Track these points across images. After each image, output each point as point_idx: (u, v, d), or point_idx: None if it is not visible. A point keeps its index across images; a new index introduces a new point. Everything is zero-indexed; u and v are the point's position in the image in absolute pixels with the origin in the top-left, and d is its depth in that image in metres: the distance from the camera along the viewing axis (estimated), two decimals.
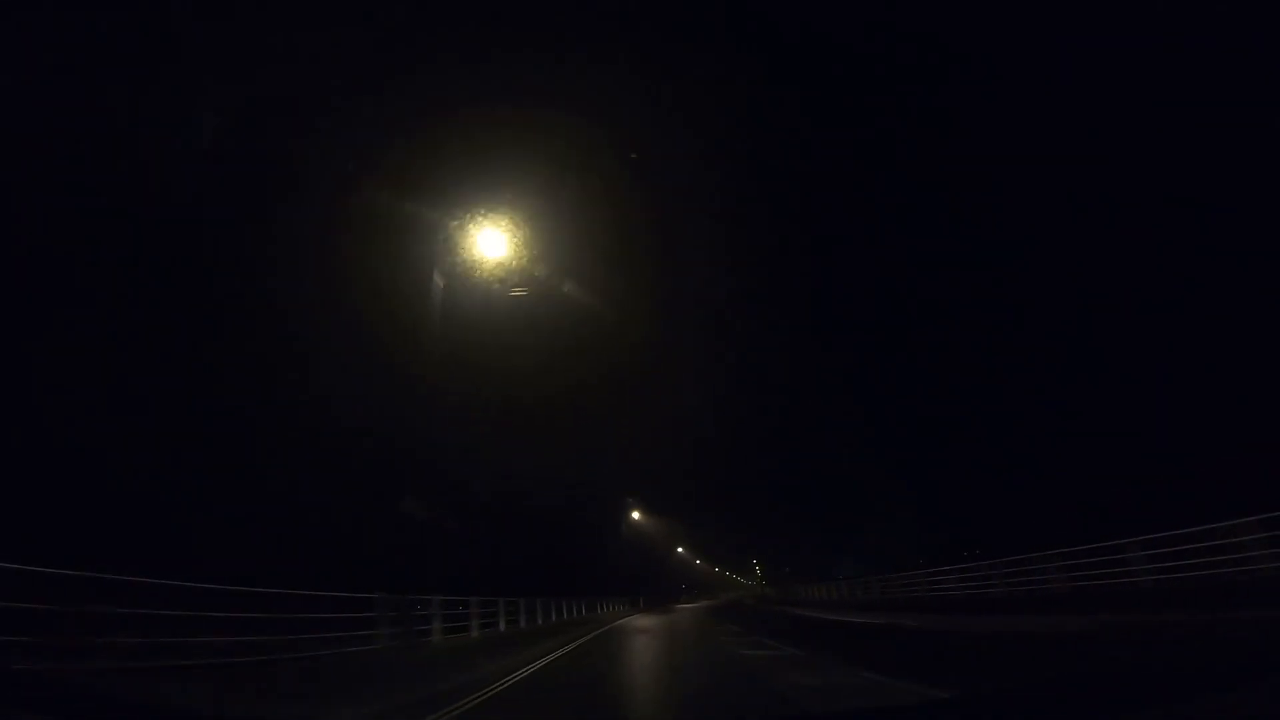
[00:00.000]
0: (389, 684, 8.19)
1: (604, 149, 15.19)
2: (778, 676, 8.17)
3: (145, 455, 9.48)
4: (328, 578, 9.59)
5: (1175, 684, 2.30)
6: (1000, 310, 20.23)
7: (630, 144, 16.07)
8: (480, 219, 12.21)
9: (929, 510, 30.41)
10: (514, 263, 13.00)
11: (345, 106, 12.51)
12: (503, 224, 12.27)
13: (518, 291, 14.28)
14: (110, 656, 6.08)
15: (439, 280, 13.18)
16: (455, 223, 12.24)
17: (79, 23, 8.88)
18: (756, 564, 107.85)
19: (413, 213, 12.57)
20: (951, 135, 17.22)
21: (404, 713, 6.68)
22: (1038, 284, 18.17)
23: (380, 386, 14.11)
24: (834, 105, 17.78)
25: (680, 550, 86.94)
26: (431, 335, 13.76)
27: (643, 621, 27.48)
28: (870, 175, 19.74)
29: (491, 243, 12.57)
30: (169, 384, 10.41)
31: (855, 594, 30.37)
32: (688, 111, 16.12)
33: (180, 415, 10.52)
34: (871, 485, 35.92)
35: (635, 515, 54.27)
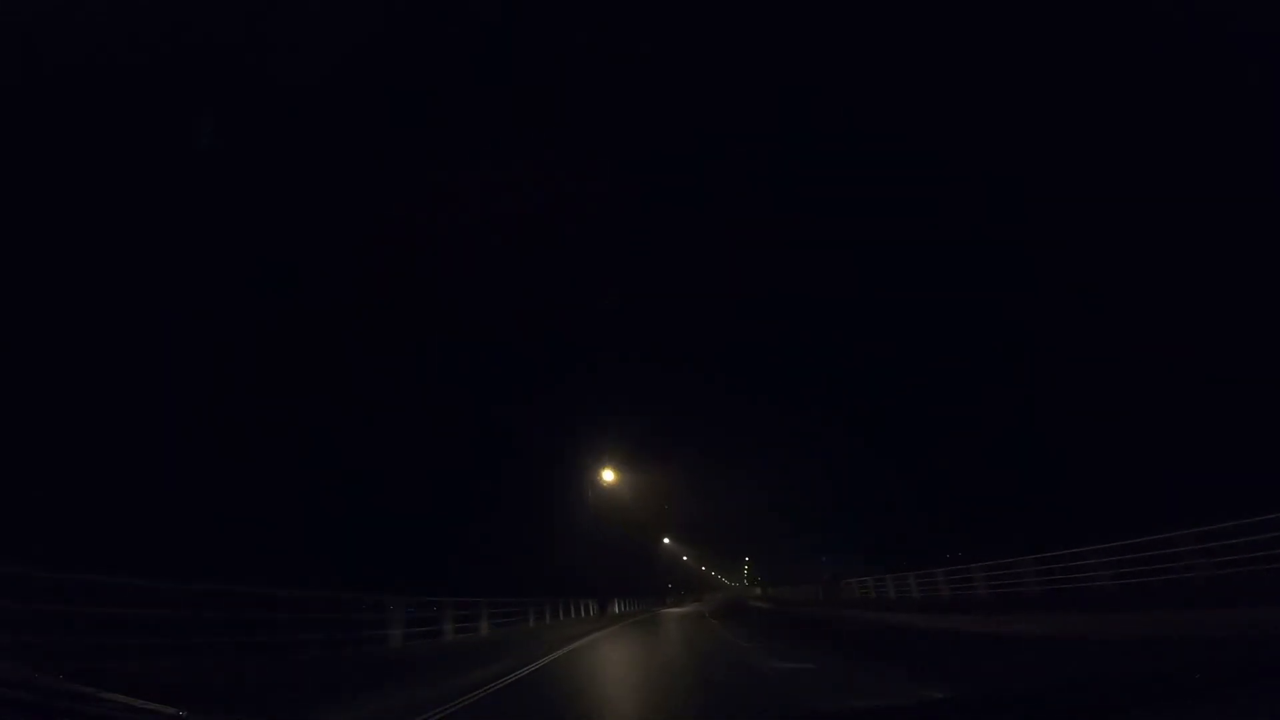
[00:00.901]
0: None
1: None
2: None
3: None
4: None
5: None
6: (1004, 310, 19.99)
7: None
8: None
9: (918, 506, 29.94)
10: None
11: None
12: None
13: None
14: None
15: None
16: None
17: None
18: (748, 560, 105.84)
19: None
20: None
21: None
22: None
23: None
24: None
25: (667, 541, 76.38)
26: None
27: (608, 659, 12.13)
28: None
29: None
30: None
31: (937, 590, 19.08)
32: None
33: None
34: (869, 475, 35.11)
35: (608, 476, 36.04)
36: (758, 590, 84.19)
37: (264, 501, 12.20)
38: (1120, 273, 15.88)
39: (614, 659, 12.23)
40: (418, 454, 17.74)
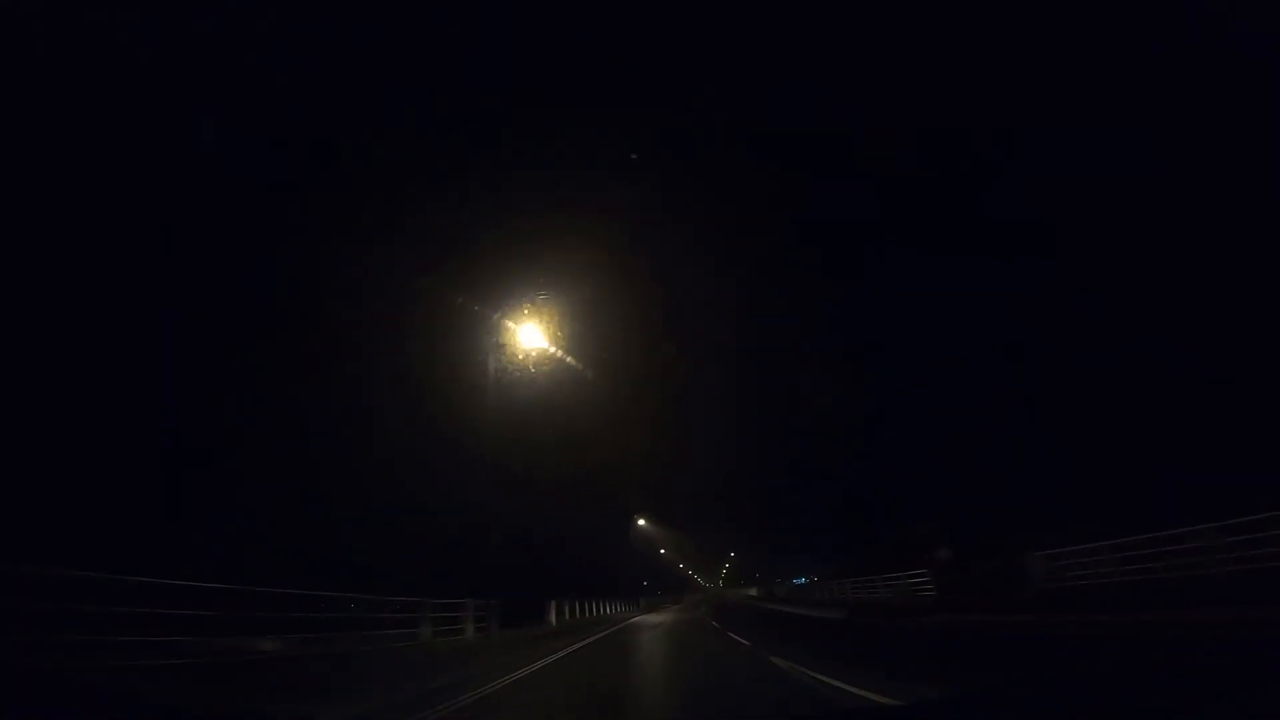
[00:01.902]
0: None
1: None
2: None
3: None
4: None
5: None
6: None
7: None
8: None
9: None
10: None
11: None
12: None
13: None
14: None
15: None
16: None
17: None
18: (732, 555, 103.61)
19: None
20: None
21: None
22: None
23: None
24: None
25: (642, 522, 59.46)
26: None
27: None
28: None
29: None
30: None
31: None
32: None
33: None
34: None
35: (532, 336, 16.68)
36: (752, 590, 77.83)
37: None
38: (1120, 273, 15.90)
39: None
40: None
